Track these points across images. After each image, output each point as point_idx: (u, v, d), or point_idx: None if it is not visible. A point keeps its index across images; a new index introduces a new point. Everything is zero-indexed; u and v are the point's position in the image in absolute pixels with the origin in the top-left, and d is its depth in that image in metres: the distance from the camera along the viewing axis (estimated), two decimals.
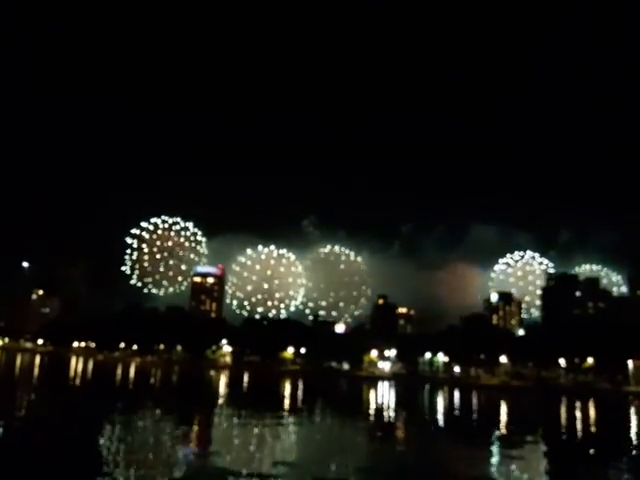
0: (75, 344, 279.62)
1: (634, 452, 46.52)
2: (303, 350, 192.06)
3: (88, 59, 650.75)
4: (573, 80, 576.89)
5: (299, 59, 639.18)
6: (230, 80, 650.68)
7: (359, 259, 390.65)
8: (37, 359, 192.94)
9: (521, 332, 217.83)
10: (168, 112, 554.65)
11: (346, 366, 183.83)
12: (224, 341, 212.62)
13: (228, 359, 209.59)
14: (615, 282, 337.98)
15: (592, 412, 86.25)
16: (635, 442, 53.06)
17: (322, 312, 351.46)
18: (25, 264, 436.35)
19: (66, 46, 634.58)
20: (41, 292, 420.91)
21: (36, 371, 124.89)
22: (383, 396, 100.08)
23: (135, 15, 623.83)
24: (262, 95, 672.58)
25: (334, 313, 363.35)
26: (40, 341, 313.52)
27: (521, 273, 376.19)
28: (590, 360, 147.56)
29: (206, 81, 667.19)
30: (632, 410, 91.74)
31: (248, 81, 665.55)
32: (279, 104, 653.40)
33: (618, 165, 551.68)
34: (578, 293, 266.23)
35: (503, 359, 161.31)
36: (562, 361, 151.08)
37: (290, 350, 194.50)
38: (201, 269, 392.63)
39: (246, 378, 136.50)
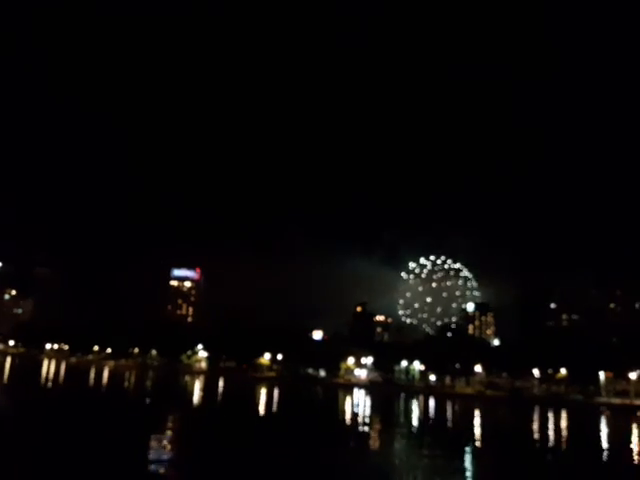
0: (48, 346, 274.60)
1: (597, 460, 47.20)
2: (280, 356, 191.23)
3: None
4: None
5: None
6: None
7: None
8: (8, 360, 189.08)
9: (496, 342, 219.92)
10: None
11: (323, 373, 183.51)
12: (200, 346, 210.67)
13: (203, 364, 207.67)
14: None
15: (563, 422, 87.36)
16: (603, 451, 53.86)
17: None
18: None
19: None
20: (14, 292, 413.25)
21: (6, 373, 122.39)
22: (358, 404, 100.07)
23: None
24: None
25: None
26: (12, 342, 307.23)
27: None
28: (563, 371, 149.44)
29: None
30: (602, 421, 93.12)
31: None
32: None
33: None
34: (553, 305, 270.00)
35: (478, 368, 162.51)
36: (536, 371, 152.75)
37: (267, 356, 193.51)
38: (178, 272, 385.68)
39: (221, 384, 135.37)
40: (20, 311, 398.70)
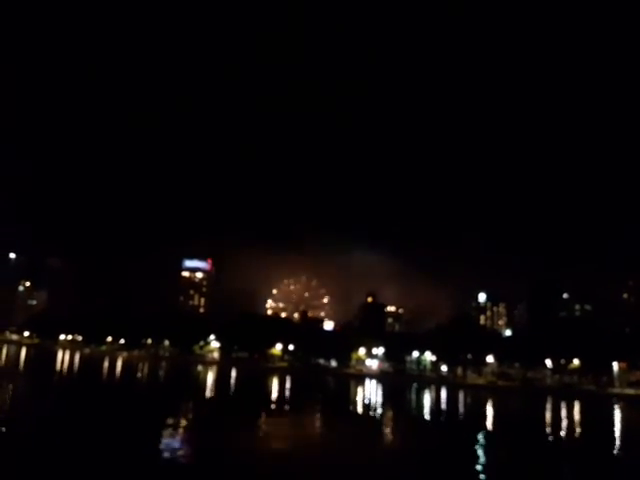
0: (62, 337, 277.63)
1: (610, 452, 47.05)
2: (291, 347, 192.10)
3: None
4: None
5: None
6: None
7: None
8: (23, 351, 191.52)
9: (508, 332, 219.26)
10: None
11: (334, 363, 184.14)
12: (212, 337, 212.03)
13: (216, 355, 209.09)
14: None
15: (576, 413, 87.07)
16: (616, 442, 53.66)
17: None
18: (12, 255, 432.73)
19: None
20: (28, 284, 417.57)
21: (21, 364, 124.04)
22: (370, 394, 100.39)
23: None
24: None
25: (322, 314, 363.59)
26: (26, 333, 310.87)
27: None
28: (576, 361, 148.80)
29: None
30: (616, 411, 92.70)
31: None
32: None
33: None
34: (565, 295, 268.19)
35: (490, 359, 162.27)
36: (548, 362, 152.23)
37: (278, 347, 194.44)
38: (190, 263, 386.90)
39: (234, 374, 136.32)
40: (34, 302, 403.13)
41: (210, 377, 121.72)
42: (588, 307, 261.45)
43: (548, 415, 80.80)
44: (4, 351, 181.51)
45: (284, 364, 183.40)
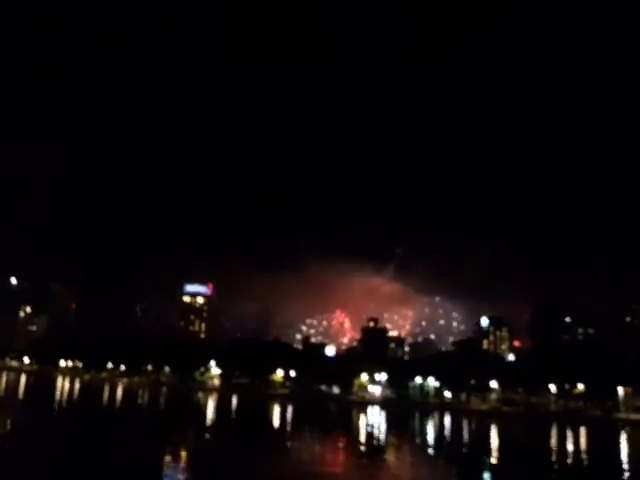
0: (62, 363, 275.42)
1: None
2: (293, 373, 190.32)
3: None
4: None
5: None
6: None
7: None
8: (23, 378, 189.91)
9: (511, 357, 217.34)
10: None
11: (336, 390, 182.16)
12: (212, 362, 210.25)
13: (216, 381, 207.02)
14: None
15: (583, 439, 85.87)
16: (625, 468, 52.75)
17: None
18: (13, 280, 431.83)
19: None
20: (29, 309, 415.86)
21: (21, 391, 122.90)
22: (373, 422, 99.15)
23: None
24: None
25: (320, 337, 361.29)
26: (26, 359, 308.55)
27: None
28: (581, 386, 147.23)
29: None
30: (622, 437, 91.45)
31: None
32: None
33: None
34: (568, 319, 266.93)
35: (494, 384, 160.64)
36: (553, 387, 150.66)
37: (280, 373, 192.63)
38: (190, 288, 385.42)
39: (234, 402, 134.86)
40: (35, 328, 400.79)
41: (210, 405, 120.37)
42: (591, 331, 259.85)
43: (554, 441, 79.66)
44: (4, 378, 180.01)
45: (285, 391, 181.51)
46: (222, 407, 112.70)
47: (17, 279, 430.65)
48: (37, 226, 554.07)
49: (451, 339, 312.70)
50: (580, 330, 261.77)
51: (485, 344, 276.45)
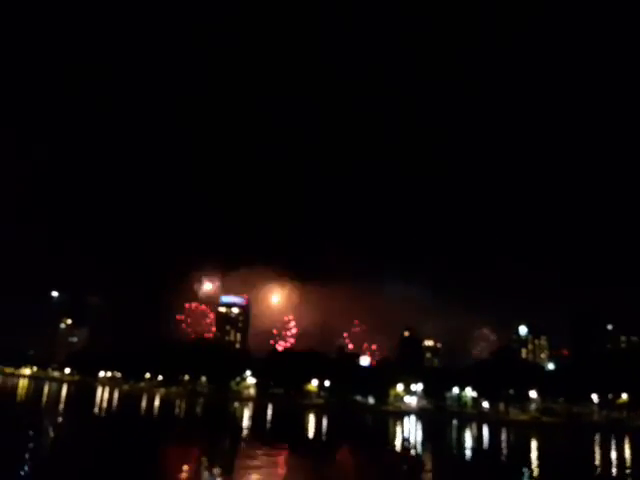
0: (101, 374, 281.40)
1: None
2: (327, 383, 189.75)
3: None
4: None
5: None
6: None
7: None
8: (64, 388, 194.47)
9: (551, 366, 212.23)
10: None
11: (371, 400, 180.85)
12: (248, 372, 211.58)
13: (252, 391, 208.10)
14: None
15: (627, 450, 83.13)
16: None
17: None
18: (54, 293, 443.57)
19: None
20: (70, 321, 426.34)
21: (62, 401, 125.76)
22: (410, 434, 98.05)
23: None
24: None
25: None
26: (67, 370, 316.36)
27: None
28: (624, 396, 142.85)
29: None
30: None
31: None
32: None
33: None
34: (609, 326, 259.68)
35: (533, 394, 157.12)
36: (595, 397, 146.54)
37: (314, 383, 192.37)
38: (226, 299, 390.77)
39: (269, 412, 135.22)
40: (75, 339, 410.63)
41: (246, 415, 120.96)
42: (634, 338, 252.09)
43: (598, 453, 77.37)
44: (46, 388, 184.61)
45: (320, 401, 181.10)
46: (257, 418, 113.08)
47: (58, 292, 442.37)
48: (75, 240, 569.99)
49: (488, 348, 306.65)
50: (623, 338, 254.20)
51: (524, 353, 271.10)
